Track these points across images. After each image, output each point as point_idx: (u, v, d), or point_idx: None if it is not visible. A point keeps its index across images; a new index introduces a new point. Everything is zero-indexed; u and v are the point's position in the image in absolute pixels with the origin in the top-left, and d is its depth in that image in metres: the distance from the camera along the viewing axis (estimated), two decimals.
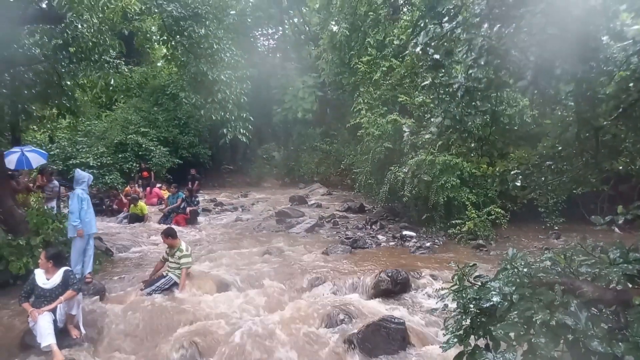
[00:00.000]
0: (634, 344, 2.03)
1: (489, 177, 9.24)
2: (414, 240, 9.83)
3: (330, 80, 20.42)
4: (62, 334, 5.11)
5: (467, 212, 9.75)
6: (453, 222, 9.91)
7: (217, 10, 10.51)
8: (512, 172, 5.28)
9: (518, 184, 5.06)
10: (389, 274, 6.80)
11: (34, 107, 11.03)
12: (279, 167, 26.26)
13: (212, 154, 23.84)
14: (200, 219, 13.32)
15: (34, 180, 11.65)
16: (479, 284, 2.71)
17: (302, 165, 24.13)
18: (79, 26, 6.77)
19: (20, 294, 5.18)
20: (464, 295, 2.60)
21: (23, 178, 10.70)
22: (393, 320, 5.35)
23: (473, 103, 3.60)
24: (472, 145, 4.88)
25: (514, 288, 2.35)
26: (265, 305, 6.25)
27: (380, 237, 10.35)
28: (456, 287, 2.74)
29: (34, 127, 15.49)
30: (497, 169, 8.06)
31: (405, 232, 10.29)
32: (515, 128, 7.08)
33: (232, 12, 21.78)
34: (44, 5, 8.18)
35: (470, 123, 3.72)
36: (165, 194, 15.65)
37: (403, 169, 10.77)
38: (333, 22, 17.53)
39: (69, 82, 9.91)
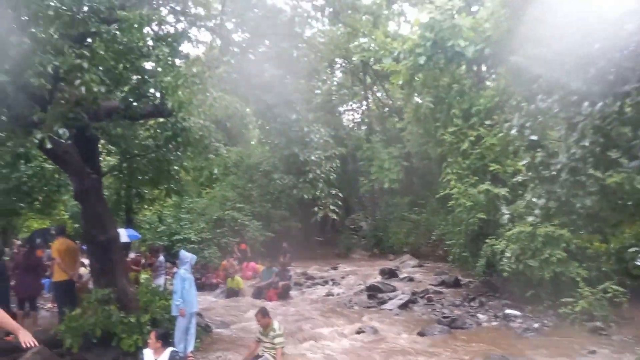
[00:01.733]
0: None
1: (604, 253, 8.40)
2: (519, 320, 9.03)
3: (415, 151, 20.44)
4: None
5: (578, 289, 8.82)
6: (563, 300, 9.00)
7: (305, 94, 11.24)
8: (630, 250, 4.79)
9: (638, 263, 4.55)
10: None
11: (146, 191, 12.26)
12: (367, 238, 26.07)
13: (302, 226, 24.37)
14: (292, 293, 13.43)
15: (145, 256, 12.67)
16: None
17: (391, 236, 23.74)
18: (187, 121, 7.58)
19: None
20: None
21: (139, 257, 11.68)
22: None
23: (579, 183, 3.38)
24: (581, 223, 4.53)
25: None
26: None
27: (480, 315, 9.66)
28: None
29: (145, 206, 17.10)
30: (611, 246, 7.33)
31: (508, 311, 9.51)
32: (629, 203, 6.47)
33: (317, 92, 23.17)
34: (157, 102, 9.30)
35: (578, 205, 3.48)
36: (260, 268, 16.10)
37: (500, 241, 10.19)
38: (416, 95, 17.83)
39: (176, 167, 10.96)
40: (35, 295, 9.52)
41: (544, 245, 9.36)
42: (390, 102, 27.09)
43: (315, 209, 9.01)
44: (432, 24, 12.16)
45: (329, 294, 13.43)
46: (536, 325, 8.59)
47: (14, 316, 9.25)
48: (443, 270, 16.16)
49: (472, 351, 7.31)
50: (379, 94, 28.44)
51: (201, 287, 14.29)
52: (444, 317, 9.50)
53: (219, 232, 19.54)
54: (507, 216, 8.25)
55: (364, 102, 28.69)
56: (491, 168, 11.76)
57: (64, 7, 5.29)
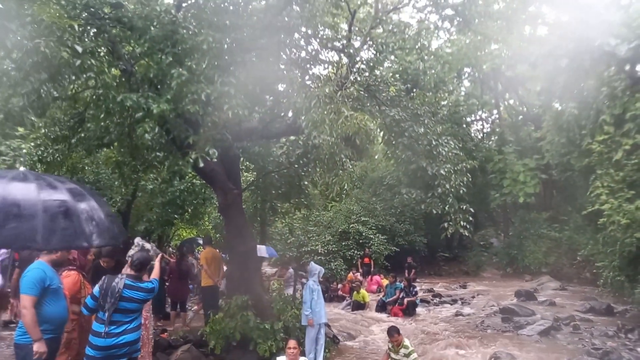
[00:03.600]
0: None
1: None
2: None
3: (555, 162, 18.64)
4: None
5: None
6: None
7: (432, 106, 10.99)
8: None
9: None
10: None
11: (278, 204, 13.04)
12: (498, 256, 24.39)
13: (427, 241, 23.73)
14: (418, 310, 13.11)
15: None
16: None
17: (527, 255, 21.85)
18: (317, 139, 7.92)
19: None
20: None
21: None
22: None
23: None
24: None
25: None
26: None
27: None
28: None
29: (277, 218, 18.20)
30: None
31: None
32: None
33: (444, 103, 22.52)
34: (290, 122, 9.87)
35: None
36: (385, 282, 16.01)
37: None
38: (556, 101, 16.33)
39: (306, 182, 11.49)
40: (185, 298, 10.65)
41: None
42: (525, 109, 25.23)
43: (445, 224, 8.71)
44: (574, 23, 11.10)
45: (458, 314, 12.81)
46: None
47: (167, 316, 10.48)
48: (591, 296, 14.41)
49: None
50: (511, 101, 26.68)
51: (328, 299, 14.68)
52: (595, 349, 8.43)
53: (344, 244, 19.93)
54: None
55: (495, 111, 27.12)
56: None
57: (213, 42, 5.92)
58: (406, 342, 6.78)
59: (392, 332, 6.88)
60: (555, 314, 11.78)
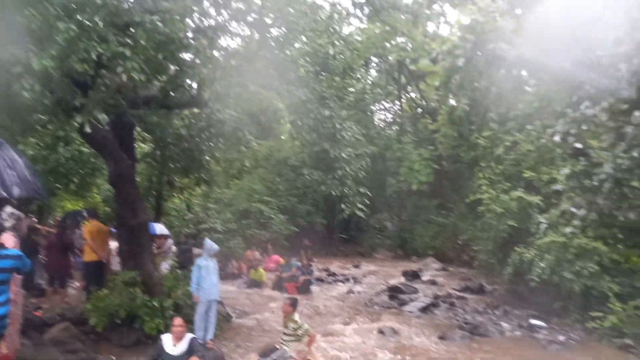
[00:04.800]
0: None
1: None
2: (545, 332, 8.82)
3: (447, 154, 20.13)
4: None
5: (609, 304, 8.54)
6: (592, 314, 8.73)
7: (339, 91, 11.20)
8: None
9: None
10: None
11: (176, 179, 12.52)
12: (391, 239, 25.92)
13: (326, 222, 24.40)
14: (312, 288, 13.48)
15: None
16: None
17: (416, 238, 23.51)
18: (222, 113, 7.70)
19: None
20: None
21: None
22: None
23: (624, 195, 3.26)
24: (621, 236, 4.37)
25: None
26: None
27: (504, 324, 9.47)
28: None
29: (174, 193, 17.47)
30: None
31: (533, 322, 9.29)
32: None
33: (351, 90, 23.07)
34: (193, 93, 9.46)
35: (622, 219, 3.35)
36: (283, 261, 16.20)
37: (530, 250, 9.96)
38: (452, 97, 17.54)
39: (207, 158, 11.13)
40: (65, 273, 9.85)
41: (576, 257, 9.09)
42: (424, 103, 26.75)
43: (343, 206, 9.03)
44: (473, 26, 11.90)
45: (350, 292, 13.44)
46: (562, 338, 8.37)
47: (43, 293, 9.65)
48: (467, 276, 15.91)
49: (495, 356, 7.19)
50: (412, 95, 28.11)
51: (224, 277, 14.51)
52: (466, 323, 9.37)
53: (245, 223, 19.75)
54: (544, 225, 8.02)
55: (397, 102, 28.42)
56: (526, 175, 11.49)
57: None
58: (295, 316, 6.93)
59: (288, 302, 7.05)
60: (436, 292, 12.85)
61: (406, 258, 22.93)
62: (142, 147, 13.20)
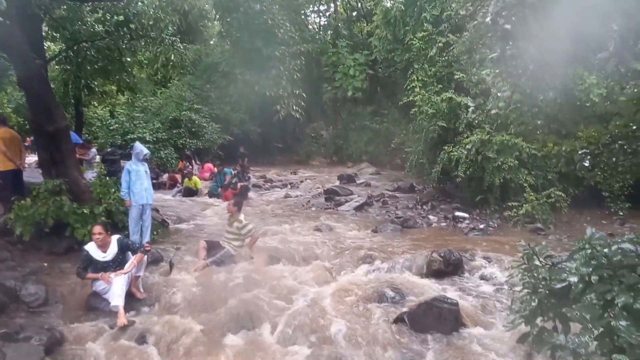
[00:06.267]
0: None
1: (554, 156, 8.77)
2: (467, 221, 9.58)
3: (382, 58, 20.01)
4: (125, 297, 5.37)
5: (524, 195, 9.35)
6: (509, 204, 9.55)
7: None
8: (580, 152, 4.98)
9: (586, 164, 4.77)
10: (442, 255, 6.66)
11: (95, 83, 11.55)
12: (327, 146, 26.28)
13: (262, 131, 24.13)
14: (250, 194, 13.57)
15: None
16: (550, 264, 2.58)
17: (351, 144, 24.00)
18: (140, 3, 6.93)
19: (78, 271, 5.46)
20: (534, 274, 2.49)
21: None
22: (446, 300, 5.24)
23: (544, 77, 3.37)
24: (540, 122, 4.62)
25: (591, 269, 2.21)
26: (315, 279, 6.30)
27: (431, 217, 10.17)
28: (525, 266, 2.62)
29: (95, 102, 16.27)
30: (563, 148, 7.62)
31: (457, 213, 10.04)
32: (588, 105, 6.59)
33: None
34: None
35: (541, 97, 3.49)
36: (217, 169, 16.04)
37: (457, 148, 10.45)
38: None
39: (129, 59, 10.27)
40: None
41: (498, 152, 9.69)
42: (359, 5, 25.90)
43: (277, 107, 8.82)
44: None
45: (288, 196, 13.68)
46: (482, 226, 9.16)
47: None
48: (399, 178, 16.66)
49: (421, 245, 7.76)
50: None
51: (158, 187, 14.19)
52: (397, 217, 9.94)
53: (175, 132, 19.07)
54: (472, 108, 8.29)
55: (332, 5, 27.31)
56: (456, 76, 11.71)
57: None
58: (241, 216, 7.00)
59: (233, 202, 7.12)
60: (369, 193, 13.39)
61: (341, 164, 23.51)
62: (52, 48, 11.89)
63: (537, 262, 2.54)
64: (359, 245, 7.76)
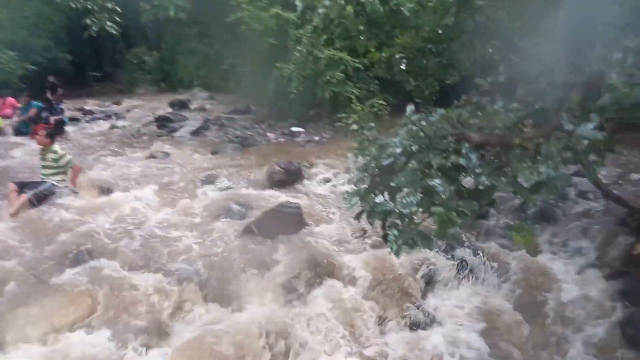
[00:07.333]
0: (512, 179, 2.31)
1: (376, 63, 9.47)
2: (303, 135, 10.01)
3: None
4: None
5: (352, 106, 10.03)
6: (339, 116, 10.17)
7: None
8: (397, 56, 5.45)
9: (403, 67, 5.25)
10: (282, 166, 6.91)
11: None
12: (153, 73, 24.23)
13: (73, 59, 21.03)
14: (67, 128, 11.99)
15: None
16: (378, 145, 2.83)
17: (180, 70, 22.52)
18: None
19: None
20: (366, 153, 2.71)
21: None
22: (289, 205, 5.52)
23: None
24: (362, 28, 4.85)
25: (412, 139, 2.49)
26: (157, 203, 6.02)
27: (269, 134, 10.35)
28: (358, 150, 2.83)
29: None
30: (383, 54, 8.24)
31: (293, 129, 10.40)
32: (402, 9, 7.16)
33: None
34: None
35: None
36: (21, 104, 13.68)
37: (289, 65, 10.57)
38: None
39: None
40: None
41: (326, 67, 10.08)
42: None
43: (88, 21, 7.67)
44: None
45: (114, 127, 12.48)
46: (316, 138, 9.68)
47: None
48: (235, 101, 16.32)
49: (262, 160, 7.91)
50: None
51: None
52: (236, 138, 9.89)
53: None
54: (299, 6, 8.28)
55: None
56: None
57: None
58: (55, 147, 6.17)
59: (43, 132, 6.25)
60: (205, 117, 12.94)
61: (171, 91, 22.03)
62: None
63: (367, 143, 2.76)
64: (200, 167, 7.58)
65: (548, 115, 2.42)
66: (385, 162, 2.66)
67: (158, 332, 3.62)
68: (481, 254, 4.50)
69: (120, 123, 12.97)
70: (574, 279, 4.16)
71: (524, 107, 2.52)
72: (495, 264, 4.41)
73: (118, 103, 18.29)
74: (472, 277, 4.34)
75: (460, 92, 3.06)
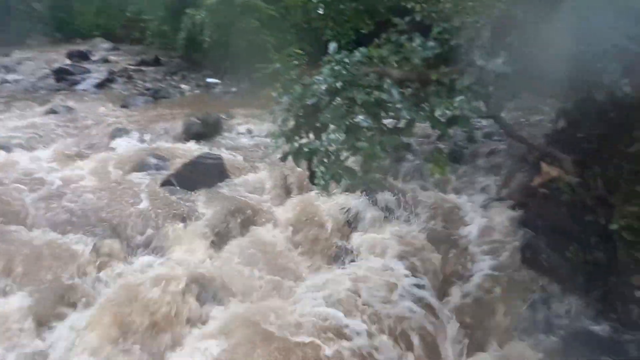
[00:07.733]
0: (429, 112, 2.42)
1: (292, 9, 9.26)
2: (220, 86, 9.67)
3: None
4: None
5: (269, 55, 9.78)
6: (256, 66, 9.89)
7: None
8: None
9: (320, 12, 5.20)
10: (200, 118, 6.69)
11: None
12: (45, 22, 21.72)
13: None
14: None
15: None
16: (303, 84, 2.82)
17: (77, 18, 20.40)
18: None
19: None
20: (290, 91, 2.69)
21: None
22: (210, 156, 5.41)
23: None
24: None
25: (336, 77, 2.51)
26: (63, 162, 5.55)
27: (183, 86, 9.87)
28: (281, 90, 2.81)
29: None
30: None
31: (209, 80, 10.00)
32: None
33: None
34: None
35: None
36: None
37: (201, 11, 9.99)
38: None
39: None
40: None
41: (241, 14, 9.67)
42: None
43: None
44: None
45: (4, 82, 11.18)
46: (234, 89, 9.40)
47: None
48: (142, 51, 15.22)
49: (177, 113, 7.56)
50: None
51: None
52: (147, 90, 9.33)
53: None
54: None
55: None
56: None
57: None
58: None
59: None
60: (110, 69, 11.97)
61: (68, 42, 19.94)
62: None
63: (292, 82, 2.74)
64: (109, 121, 7.08)
65: (461, 52, 2.54)
66: (310, 101, 2.67)
67: (81, 292, 3.45)
68: (400, 194, 4.75)
69: (11, 77, 11.64)
70: (480, 212, 4.55)
71: (439, 45, 2.62)
72: (411, 203, 4.68)
73: (7, 55, 16.27)
74: (392, 217, 4.59)
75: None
